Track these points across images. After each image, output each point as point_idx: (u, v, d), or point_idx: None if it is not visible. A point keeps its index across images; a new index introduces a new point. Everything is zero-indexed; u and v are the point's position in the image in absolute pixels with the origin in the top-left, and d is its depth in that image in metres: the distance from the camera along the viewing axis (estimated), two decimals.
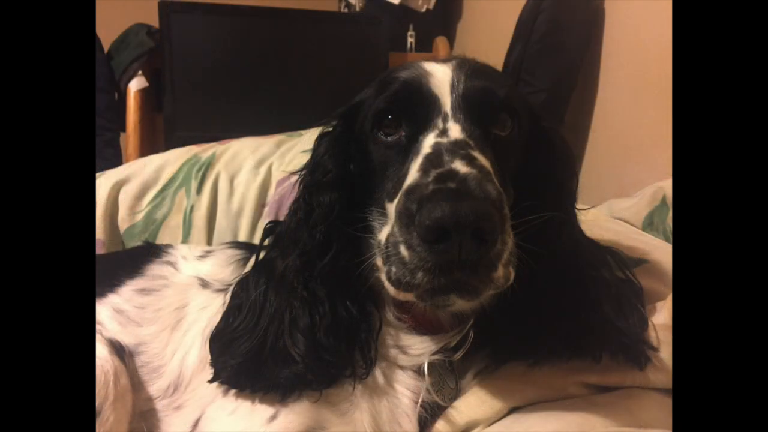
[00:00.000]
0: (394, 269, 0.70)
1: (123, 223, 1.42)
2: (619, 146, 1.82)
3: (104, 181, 1.45)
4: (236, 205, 1.46)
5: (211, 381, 0.88)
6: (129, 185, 1.46)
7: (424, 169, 0.72)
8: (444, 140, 0.76)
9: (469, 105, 0.80)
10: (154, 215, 1.44)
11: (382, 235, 0.76)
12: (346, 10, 3.26)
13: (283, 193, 1.45)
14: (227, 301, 0.96)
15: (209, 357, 0.90)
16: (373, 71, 2.58)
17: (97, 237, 1.38)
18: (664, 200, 1.27)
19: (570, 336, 0.83)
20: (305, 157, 0.99)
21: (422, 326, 0.89)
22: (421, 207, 0.66)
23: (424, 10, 3.04)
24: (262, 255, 0.96)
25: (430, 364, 0.87)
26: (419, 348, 0.88)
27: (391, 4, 2.96)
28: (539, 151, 0.88)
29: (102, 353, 0.95)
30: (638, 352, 0.83)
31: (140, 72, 2.64)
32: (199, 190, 1.47)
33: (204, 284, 1.10)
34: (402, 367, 0.88)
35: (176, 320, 1.05)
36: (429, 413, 0.87)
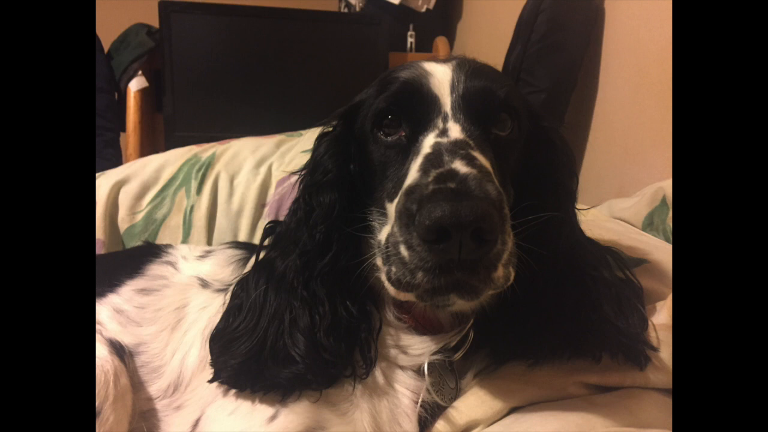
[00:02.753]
0: (394, 269, 0.71)
1: (123, 223, 1.42)
2: (619, 146, 1.82)
3: (104, 181, 1.45)
4: (236, 205, 1.46)
5: (211, 381, 0.88)
6: (129, 185, 1.46)
7: (424, 169, 0.72)
8: (444, 140, 0.76)
9: (469, 105, 0.80)
10: (154, 215, 1.44)
11: (382, 235, 0.77)
12: (346, 10, 3.26)
13: (283, 193, 1.45)
14: (227, 301, 0.96)
15: (209, 357, 0.90)
16: (373, 71, 2.59)
17: (97, 237, 1.38)
18: (664, 200, 1.27)
19: (570, 336, 0.83)
20: (305, 157, 0.99)
21: (422, 326, 0.89)
22: (421, 207, 0.66)
23: (424, 10, 3.04)
24: (262, 255, 0.96)
25: (430, 364, 0.87)
26: (419, 348, 0.88)
27: (391, 4, 2.96)
28: (539, 151, 0.88)
29: (102, 353, 0.95)
30: (638, 352, 0.83)
31: (140, 72, 2.64)
32: (199, 190, 1.47)
33: (204, 284, 1.10)
34: (402, 367, 0.88)
35: (176, 320, 1.05)
36: (429, 413, 0.87)
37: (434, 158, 0.73)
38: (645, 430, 0.75)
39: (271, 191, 1.47)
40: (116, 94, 2.70)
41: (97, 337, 0.99)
